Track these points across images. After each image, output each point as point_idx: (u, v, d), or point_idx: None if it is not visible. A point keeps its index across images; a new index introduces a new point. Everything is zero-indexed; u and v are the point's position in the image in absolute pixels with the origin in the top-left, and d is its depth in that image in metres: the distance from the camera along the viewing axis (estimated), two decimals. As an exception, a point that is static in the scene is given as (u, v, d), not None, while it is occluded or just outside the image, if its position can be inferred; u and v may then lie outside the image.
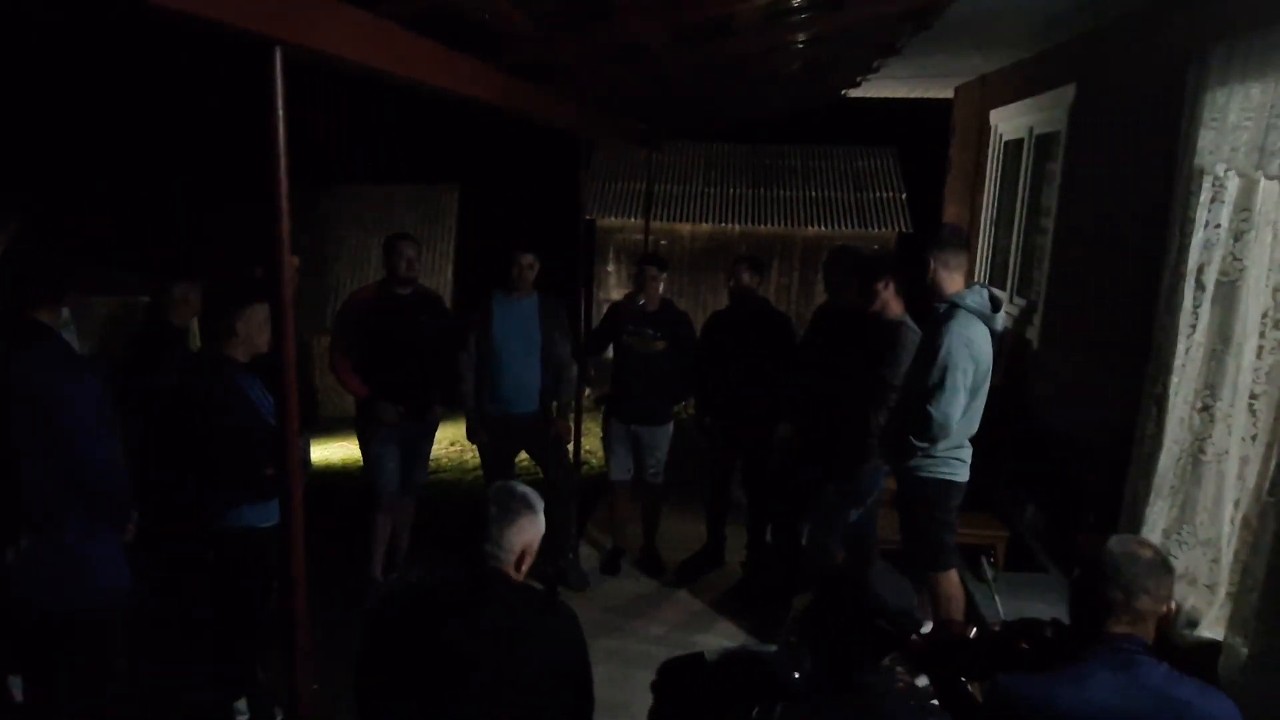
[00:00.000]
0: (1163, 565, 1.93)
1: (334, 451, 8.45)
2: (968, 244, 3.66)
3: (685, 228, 11.56)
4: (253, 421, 3.19)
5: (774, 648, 2.25)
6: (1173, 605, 1.93)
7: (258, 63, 1.84)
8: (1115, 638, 1.87)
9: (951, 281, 3.41)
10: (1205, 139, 3.18)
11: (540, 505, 2.25)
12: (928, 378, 3.31)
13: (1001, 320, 3.46)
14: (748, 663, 2.39)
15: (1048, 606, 3.88)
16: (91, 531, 2.73)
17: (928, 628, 2.47)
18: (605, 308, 11.10)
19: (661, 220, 11.12)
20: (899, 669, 2.76)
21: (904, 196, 11.54)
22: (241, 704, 3.54)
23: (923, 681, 3.53)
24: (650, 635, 4.46)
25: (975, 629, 2.28)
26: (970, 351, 3.29)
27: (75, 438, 2.62)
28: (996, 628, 2.30)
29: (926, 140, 9.22)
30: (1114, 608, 1.88)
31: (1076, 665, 1.87)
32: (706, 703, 2.27)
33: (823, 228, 11.27)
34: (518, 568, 2.20)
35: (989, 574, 4.17)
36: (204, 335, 3.49)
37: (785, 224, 11.40)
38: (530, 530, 2.21)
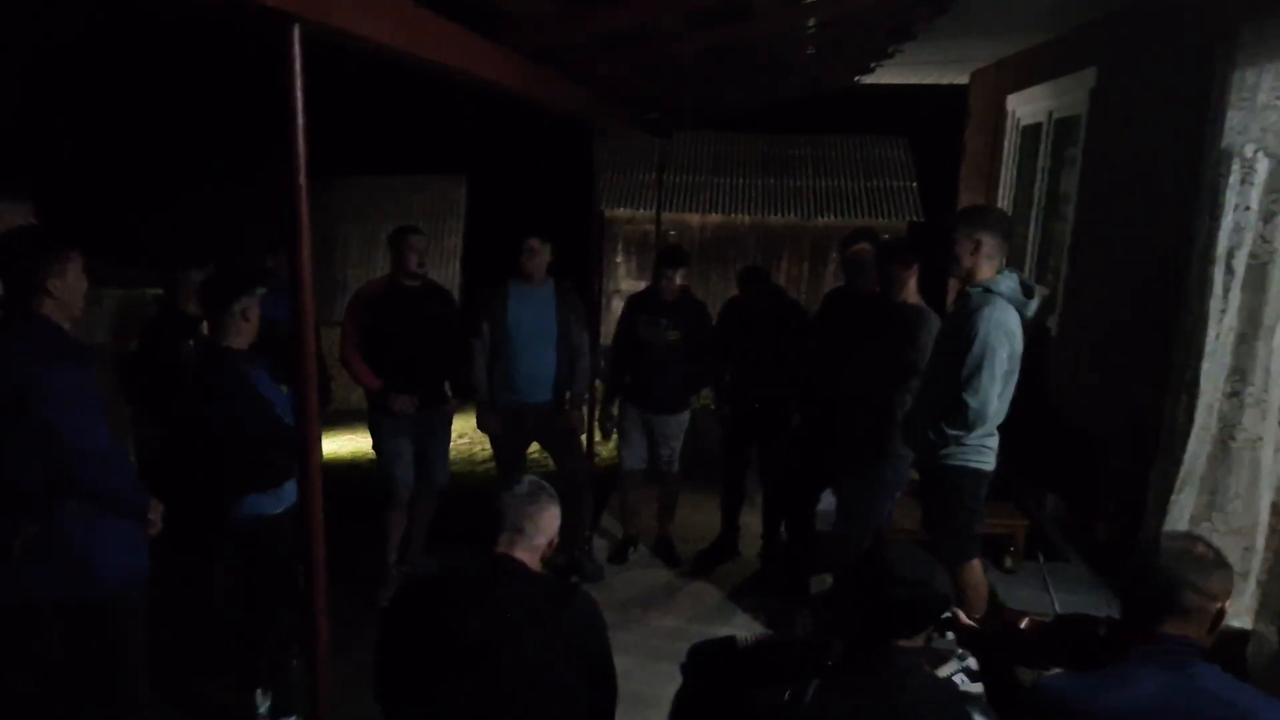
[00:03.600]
0: (1217, 563, 1.84)
1: (343, 445, 8.45)
2: (1011, 234, 3.55)
3: (695, 218, 11.51)
4: (258, 413, 3.15)
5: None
6: (1228, 604, 1.86)
7: (275, 41, 1.79)
8: (1166, 638, 1.79)
9: (987, 268, 3.33)
10: (1234, 119, 3.12)
11: (557, 499, 2.24)
12: (963, 366, 3.22)
13: (1035, 307, 3.37)
14: (782, 647, 2.37)
15: (1068, 595, 3.85)
16: (92, 521, 2.65)
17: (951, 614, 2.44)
18: (613, 299, 11.16)
19: (671, 210, 11.06)
20: (923, 659, 2.73)
21: (915, 185, 11.47)
22: (260, 695, 3.52)
23: (944, 672, 3.50)
24: (666, 627, 4.42)
25: (1028, 619, 2.24)
26: (1007, 339, 3.22)
27: (58, 428, 2.52)
28: (1048, 619, 2.26)
29: (938, 128, 9.15)
30: (1166, 607, 1.80)
31: (1125, 665, 1.80)
32: (737, 684, 2.25)
33: (833, 218, 11.21)
34: (540, 557, 2.18)
35: (1009, 564, 4.14)
36: (209, 326, 3.44)
37: (796, 214, 11.34)
38: (556, 520, 2.23)
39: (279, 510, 3.27)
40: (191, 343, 4.09)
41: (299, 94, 1.86)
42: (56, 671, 2.83)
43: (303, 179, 1.96)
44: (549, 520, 2.22)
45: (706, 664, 2.32)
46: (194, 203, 10.94)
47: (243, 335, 3.25)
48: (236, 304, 3.21)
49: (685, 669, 2.32)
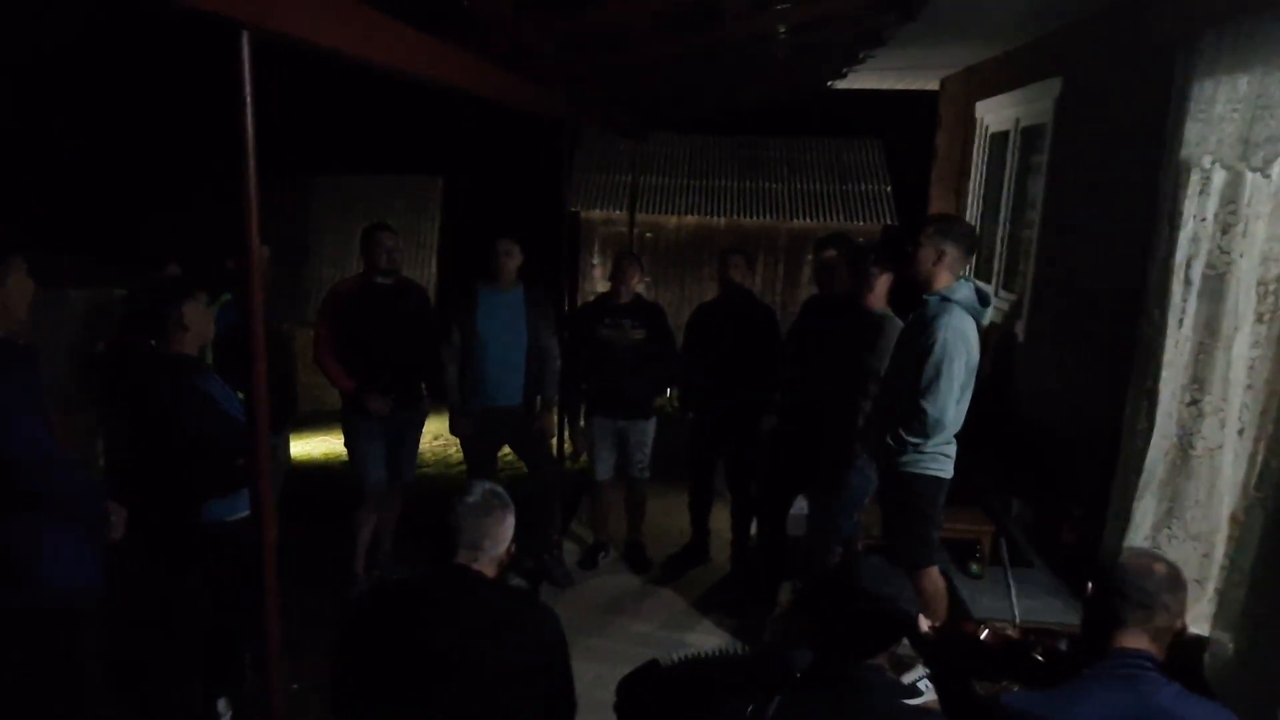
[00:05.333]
0: (1176, 580, 1.89)
1: (315, 446, 8.37)
2: (975, 250, 3.59)
3: (671, 220, 11.50)
4: (214, 419, 3.13)
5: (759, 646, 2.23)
6: (1185, 620, 1.89)
7: (225, 47, 1.78)
8: (1125, 654, 1.83)
9: (947, 277, 3.37)
10: (1192, 131, 3.15)
11: (511, 504, 2.22)
12: (921, 374, 3.26)
13: (989, 315, 3.42)
14: (734, 662, 2.37)
15: (1033, 601, 3.89)
16: (38, 528, 2.61)
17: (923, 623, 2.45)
18: (588, 300, 11.14)
19: (646, 212, 11.05)
20: (887, 666, 2.72)
21: (889, 189, 11.52)
22: (223, 704, 3.48)
23: (909, 678, 3.52)
24: (635, 633, 4.42)
25: (986, 630, 2.25)
26: (965, 347, 3.25)
27: None
28: (1009, 631, 2.28)
29: (912, 132, 9.21)
30: (1126, 623, 1.84)
31: (1083, 682, 1.83)
32: (671, 711, 2.25)
33: (808, 220, 11.24)
34: (499, 564, 2.18)
35: (975, 570, 4.18)
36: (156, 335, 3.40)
37: (771, 216, 11.37)
38: (512, 526, 2.21)
39: (235, 516, 3.24)
40: (153, 342, 4.04)
41: (249, 101, 1.84)
42: (8, 678, 2.79)
43: (252, 185, 1.94)
44: (505, 530, 2.21)
45: (637, 696, 2.30)
46: (191, 203, 10.81)
47: (184, 342, 3.23)
48: (173, 312, 3.18)
49: (618, 709, 2.31)
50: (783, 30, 3.96)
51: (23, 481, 2.53)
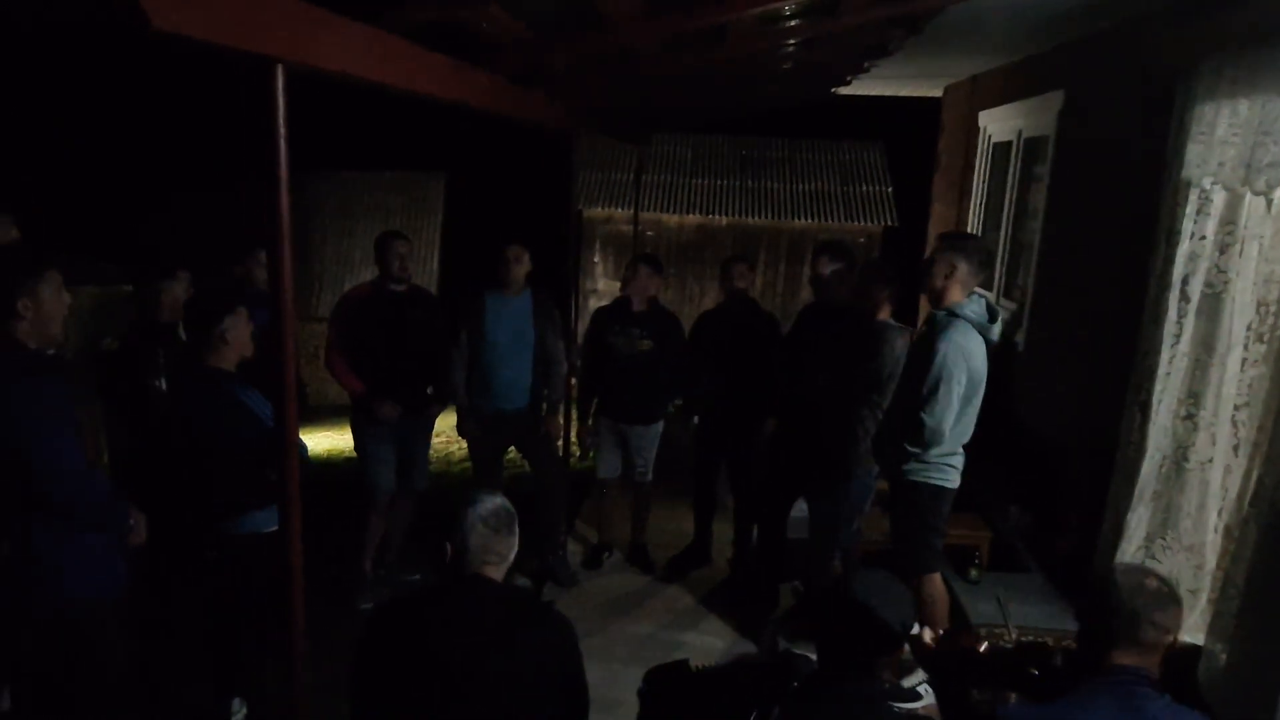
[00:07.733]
0: (1169, 596, 1.93)
1: (320, 442, 8.44)
2: (987, 266, 3.63)
3: (673, 218, 11.56)
4: (256, 430, 3.17)
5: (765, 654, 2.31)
6: (1178, 635, 1.95)
7: (259, 80, 1.83)
8: (1119, 668, 1.88)
9: (958, 292, 3.43)
10: (1193, 152, 3.21)
11: (515, 515, 2.28)
12: (922, 385, 3.34)
13: (998, 331, 3.48)
14: (742, 670, 2.44)
15: (1029, 607, 3.96)
16: (62, 538, 2.65)
17: (916, 629, 2.52)
18: (589, 298, 11.21)
19: (649, 211, 11.11)
20: (887, 671, 2.80)
21: (890, 190, 11.58)
22: (237, 703, 3.54)
23: (909, 682, 3.59)
24: (638, 633, 4.50)
25: (986, 644, 2.32)
26: (966, 362, 3.32)
27: (28, 448, 2.51)
28: (1006, 643, 2.35)
29: (914, 134, 9.26)
30: (1119, 638, 1.89)
31: (1078, 696, 1.89)
32: (694, 710, 2.33)
33: (809, 220, 11.31)
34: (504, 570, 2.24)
35: (974, 576, 4.25)
36: (193, 344, 3.41)
37: (772, 216, 11.43)
38: (517, 538, 2.26)
39: (270, 529, 3.28)
40: (168, 354, 4.08)
41: (282, 130, 1.90)
42: (30, 683, 2.85)
43: (285, 211, 2.00)
44: (515, 541, 2.26)
45: (662, 690, 2.38)
46: (188, 205, 10.82)
47: (224, 356, 3.26)
48: (218, 326, 3.22)
49: (642, 694, 2.39)
50: (791, 44, 4.02)
51: (50, 491, 2.58)
